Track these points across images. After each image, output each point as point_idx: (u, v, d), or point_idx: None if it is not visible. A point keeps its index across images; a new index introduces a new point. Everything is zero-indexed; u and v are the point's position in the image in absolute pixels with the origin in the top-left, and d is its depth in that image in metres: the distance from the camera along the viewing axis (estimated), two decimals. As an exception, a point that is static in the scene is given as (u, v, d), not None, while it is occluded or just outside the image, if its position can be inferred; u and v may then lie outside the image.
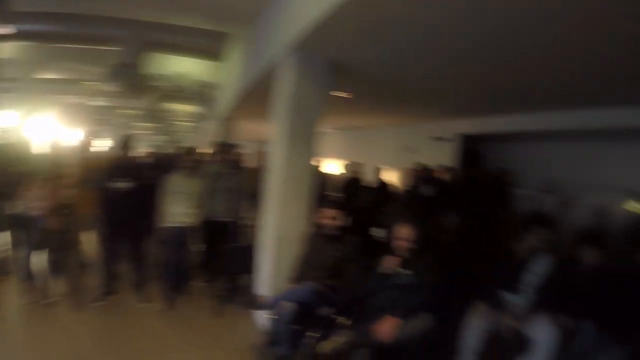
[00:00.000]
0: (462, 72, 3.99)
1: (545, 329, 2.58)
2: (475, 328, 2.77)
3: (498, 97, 5.16)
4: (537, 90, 4.57)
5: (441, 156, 7.54)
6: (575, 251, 3.05)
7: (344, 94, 5.38)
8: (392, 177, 7.35)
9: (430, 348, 2.62)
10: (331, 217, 3.06)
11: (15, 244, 4.31)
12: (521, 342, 2.64)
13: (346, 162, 7.38)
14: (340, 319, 2.83)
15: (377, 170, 6.66)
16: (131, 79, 5.81)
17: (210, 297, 4.21)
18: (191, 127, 13.84)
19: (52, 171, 4.31)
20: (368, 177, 6.73)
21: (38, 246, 3.85)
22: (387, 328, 2.39)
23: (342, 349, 2.39)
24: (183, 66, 7.29)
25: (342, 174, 7.33)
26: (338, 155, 10.45)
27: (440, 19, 2.61)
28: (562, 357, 2.65)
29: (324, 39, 3.24)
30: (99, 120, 13.23)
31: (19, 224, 4.10)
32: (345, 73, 4.06)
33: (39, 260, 3.87)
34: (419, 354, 2.53)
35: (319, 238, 3.14)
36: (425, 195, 5.63)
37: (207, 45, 6.14)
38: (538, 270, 2.81)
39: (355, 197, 5.49)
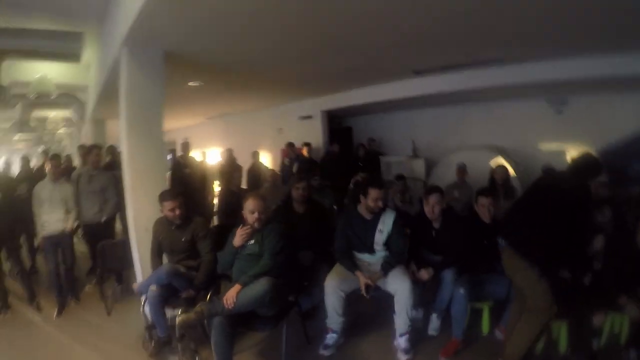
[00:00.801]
0: (300, 55, 4.39)
1: (403, 281, 2.93)
2: (335, 290, 3.01)
3: (347, 75, 5.64)
4: (377, 66, 5.14)
5: (311, 133, 8.02)
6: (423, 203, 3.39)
7: (195, 83, 5.59)
8: (268, 158, 7.74)
9: (287, 311, 2.88)
10: (171, 209, 3.15)
11: None
12: (381, 297, 3.03)
13: (221, 150, 7.53)
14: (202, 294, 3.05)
15: (255, 153, 7.05)
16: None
17: (100, 297, 4.22)
18: (66, 133, 12.95)
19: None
20: (244, 161, 7.06)
21: None
22: (229, 295, 2.58)
23: (195, 319, 2.57)
24: (45, 71, 6.83)
25: (219, 161, 7.55)
26: (218, 143, 10.52)
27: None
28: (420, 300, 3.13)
29: (151, 31, 3.35)
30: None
31: None
32: (187, 63, 4.24)
33: None
34: (276, 317, 2.76)
35: (167, 226, 3.27)
36: (293, 171, 6.25)
37: (64, 47, 5.89)
38: (386, 227, 3.14)
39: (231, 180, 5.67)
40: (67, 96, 8.67)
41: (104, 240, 4.21)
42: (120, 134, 3.93)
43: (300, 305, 3.13)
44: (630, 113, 5.49)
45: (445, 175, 6.11)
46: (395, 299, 2.94)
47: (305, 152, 7.19)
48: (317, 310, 3.41)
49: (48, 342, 3.55)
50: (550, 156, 6.06)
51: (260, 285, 2.61)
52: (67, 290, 4.27)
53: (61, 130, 12.60)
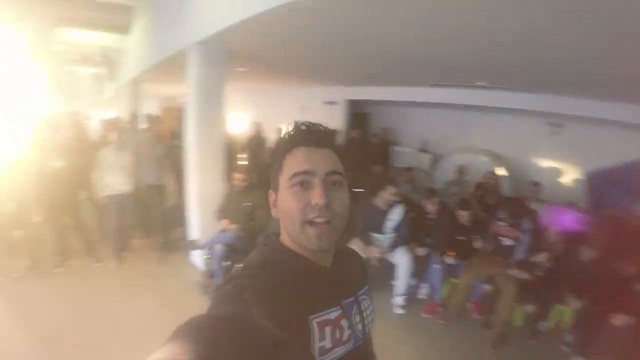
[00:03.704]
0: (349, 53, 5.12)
1: (404, 256, 4.26)
2: None
3: (378, 71, 6.41)
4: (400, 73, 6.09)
5: (332, 118, 9.02)
6: (423, 202, 4.82)
7: (243, 69, 6.60)
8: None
9: None
10: (239, 179, 4.41)
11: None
12: (387, 266, 4.33)
13: (249, 121, 8.66)
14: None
15: (278, 130, 8.13)
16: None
17: (151, 250, 5.37)
18: (97, 89, 13.97)
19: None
20: (269, 136, 8.27)
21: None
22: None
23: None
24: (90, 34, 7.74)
25: (246, 131, 8.70)
26: (241, 113, 11.54)
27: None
28: (416, 274, 4.39)
29: (227, 41, 4.42)
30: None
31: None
32: (243, 57, 5.28)
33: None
34: None
35: (234, 194, 4.50)
36: None
37: (114, 19, 6.64)
38: (395, 217, 4.35)
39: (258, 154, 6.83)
40: (101, 55, 9.73)
41: (155, 202, 5.33)
42: (187, 117, 5.00)
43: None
44: (622, 145, 6.18)
45: (448, 172, 7.27)
46: (397, 268, 4.27)
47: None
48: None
49: (109, 286, 4.51)
50: (541, 172, 7.36)
51: None
52: (123, 242, 5.30)
53: (85, 83, 13.64)
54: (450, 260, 4.28)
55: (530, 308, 3.84)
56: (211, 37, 4.28)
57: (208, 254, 4.41)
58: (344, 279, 0.99)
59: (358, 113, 9.75)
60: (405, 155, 8.68)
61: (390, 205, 4.37)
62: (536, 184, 5.87)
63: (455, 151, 8.02)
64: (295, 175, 0.90)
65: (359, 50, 4.67)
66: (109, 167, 5.00)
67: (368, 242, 4.35)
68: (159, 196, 5.69)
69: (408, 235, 4.44)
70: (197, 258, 4.91)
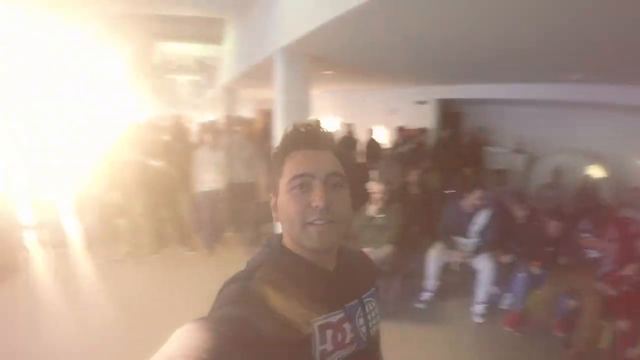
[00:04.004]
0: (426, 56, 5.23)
1: (487, 262, 4.09)
2: (435, 260, 4.27)
3: (472, 67, 6.09)
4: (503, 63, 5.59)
5: (422, 117, 8.97)
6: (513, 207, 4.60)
7: (329, 72, 6.82)
8: (378, 136, 8.90)
9: (399, 270, 4.19)
10: None
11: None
12: (469, 272, 4.23)
13: (340, 123, 8.84)
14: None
15: (370, 131, 8.26)
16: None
17: (241, 243, 5.78)
18: (191, 93, 15.32)
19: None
20: (359, 136, 8.37)
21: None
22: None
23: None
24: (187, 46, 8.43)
25: (337, 133, 8.93)
26: (334, 114, 11.81)
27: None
28: (499, 282, 4.21)
29: (308, 46, 4.58)
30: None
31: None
32: (326, 61, 5.44)
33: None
34: (390, 274, 4.09)
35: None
36: (404, 152, 7.21)
37: (206, 32, 7.11)
38: (481, 221, 4.24)
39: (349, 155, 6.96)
40: (200, 63, 10.54)
41: (246, 198, 5.67)
42: (275, 120, 5.26)
43: (407, 267, 4.41)
44: None
45: (544, 174, 6.81)
46: (479, 275, 4.11)
47: (418, 135, 8.14)
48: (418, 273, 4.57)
49: (199, 274, 4.89)
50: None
51: (385, 250, 4.01)
52: (215, 235, 5.77)
53: (185, 90, 15.00)
54: (535, 270, 4.00)
55: (617, 326, 3.46)
56: (293, 43, 4.46)
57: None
58: (348, 281, 0.99)
59: (451, 112, 9.53)
60: (499, 156, 8.30)
61: (477, 208, 4.26)
62: (636, 189, 5.28)
63: (552, 152, 7.51)
64: (294, 177, 0.91)
65: (447, 48, 4.59)
66: (203, 165, 5.51)
67: (450, 245, 4.30)
68: (250, 193, 6.04)
69: (493, 240, 4.26)
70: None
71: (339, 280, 0.97)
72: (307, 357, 0.84)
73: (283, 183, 0.93)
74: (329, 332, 0.88)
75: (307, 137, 0.96)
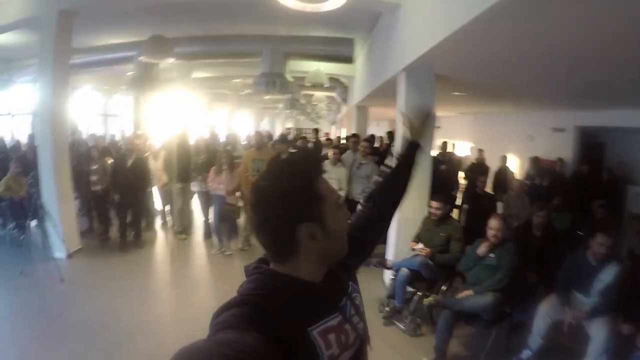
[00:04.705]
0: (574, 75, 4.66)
1: (603, 329, 3.32)
2: (544, 315, 3.62)
3: (618, 90, 5.38)
4: None
5: (559, 146, 8.06)
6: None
7: (459, 93, 6.53)
8: (513, 164, 8.19)
9: (501, 320, 3.72)
10: (436, 208, 4.35)
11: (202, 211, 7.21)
12: (581, 336, 3.48)
13: (472, 147, 8.36)
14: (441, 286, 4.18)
15: (503, 158, 7.70)
16: (274, 85, 7.28)
17: None
18: (327, 109, 16.13)
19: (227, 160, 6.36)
20: (491, 162, 7.87)
21: (221, 216, 6.29)
22: (462, 295, 3.60)
23: (434, 306, 3.71)
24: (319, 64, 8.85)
25: (468, 156, 8.50)
26: (466, 138, 11.36)
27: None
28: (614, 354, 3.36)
29: (429, 64, 4.48)
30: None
31: (203, 199, 7.00)
32: (453, 81, 5.28)
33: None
34: (490, 323, 3.65)
35: (430, 221, 4.47)
36: (540, 185, 6.54)
37: (338, 51, 7.31)
38: (606, 277, 3.45)
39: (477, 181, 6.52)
40: (334, 80, 10.92)
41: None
42: (396, 140, 5.25)
43: (513, 316, 3.88)
44: None
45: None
46: (591, 342, 3.36)
47: (554, 168, 7.38)
48: (524, 326, 3.96)
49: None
50: None
51: (488, 298, 3.58)
52: None
53: (322, 106, 15.81)
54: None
55: None
56: (414, 62, 4.37)
57: (393, 276, 4.47)
58: (334, 281, 1.01)
59: (592, 142, 8.41)
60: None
61: (601, 259, 3.53)
62: None
63: None
64: (338, 197, 1.00)
65: (586, 66, 4.03)
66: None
67: (565, 301, 3.63)
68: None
69: (616, 303, 3.43)
70: (388, 277, 5.01)
71: (328, 285, 0.99)
72: None
73: (330, 205, 0.96)
74: (332, 336, 0.90)
75: (317, 162, 1.09)
